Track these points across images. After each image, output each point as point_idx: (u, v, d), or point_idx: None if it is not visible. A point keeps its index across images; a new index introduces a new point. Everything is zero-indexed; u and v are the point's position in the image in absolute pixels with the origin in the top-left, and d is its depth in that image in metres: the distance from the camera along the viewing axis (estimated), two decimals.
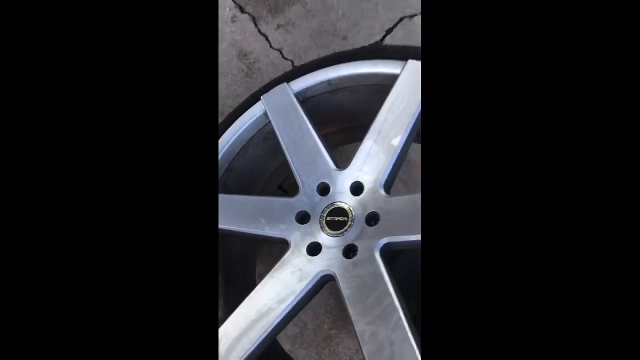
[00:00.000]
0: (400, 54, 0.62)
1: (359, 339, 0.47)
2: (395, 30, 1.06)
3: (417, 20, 1.06)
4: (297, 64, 1.04)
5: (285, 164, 0.77)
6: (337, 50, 1.05)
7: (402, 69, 0.61)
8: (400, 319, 0.46)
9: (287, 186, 0.92)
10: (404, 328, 0.45)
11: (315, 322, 0.91)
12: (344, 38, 1.05)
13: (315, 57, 1.04)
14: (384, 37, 1.05)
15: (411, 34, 1.05)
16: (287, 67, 1.04)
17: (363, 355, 0.46)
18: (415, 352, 0.43)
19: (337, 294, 0.91)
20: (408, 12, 1.06)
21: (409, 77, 0.60)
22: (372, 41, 1.05)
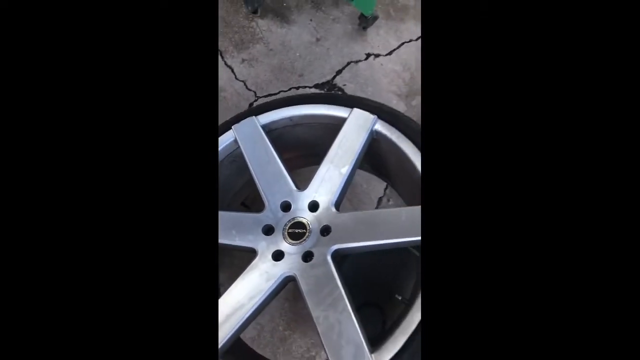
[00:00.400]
0: (348, 102, 0.80)
1: (315, 321, 0.60)
2: (343, 72, 1.25)
3: (362, 65, 1.27)
4: (259, 94, 1.17)
5: (248, 183, 0.90)
6: (294, 86, 1.21)
7: (349, 114, 0.78)
8: (346, 305, 0.60)
9: (249, 203, 1.03)
10: (349, 312, 0.60)
11: (271, 325, 1.02)
12: (301, 75, 1.22)
13: (275, 90, 1.19)
14: (334, 77, 1.24)
15: (357, 76, 1.25)
16: (250, 97, 1.17)
17: (318, 334, 0.60)
18: (356, 328, 0.58)
19: (291, 299, 1.03)
20: (355, 57, 1.27)
21: (354, 121, 0.77)
22: (324, 80, 1.23)
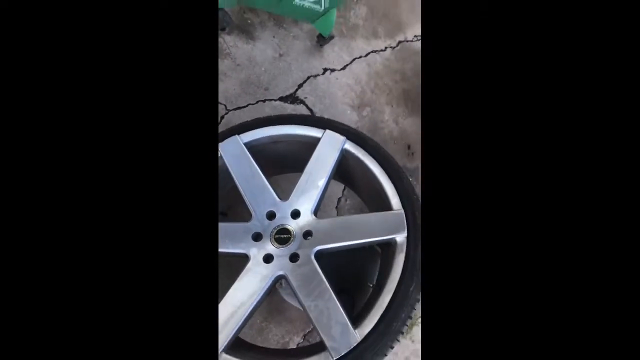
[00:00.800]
0: (321, 123, 0.94)
1: (307, 310, 0.74)
2: (304, 85, 1.38)
3: (320, 79, 1.41)
4: (229, 108, 1.25)
5: (227, 194, 0.99)
6: (261, 99, 1.30)
7: (322, 134, 0.92)
8: (331, 294, 0.75)
9: (226, 210, 1.12)
10: (334, 300, 0.75)
11: (250, 319, 1.13)
12: (266, 89, 1.31)
13: (244, 103, 1.27)
14: (296, 90, 1.36)
15: (316, 89, 1.39)
16: (221, 110, 1.24)
17: (311, 320, 0.74)
18: (341, 311, 0.73)
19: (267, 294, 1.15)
20: (314, 72, 1.40)
21: (327, 140, 0.91)
22: (287, 93, 1.34)
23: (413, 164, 1.46)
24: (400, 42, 1.56)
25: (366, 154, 0.89)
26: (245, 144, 0.92)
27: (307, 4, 1.12)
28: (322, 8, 1.15)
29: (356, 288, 0.94)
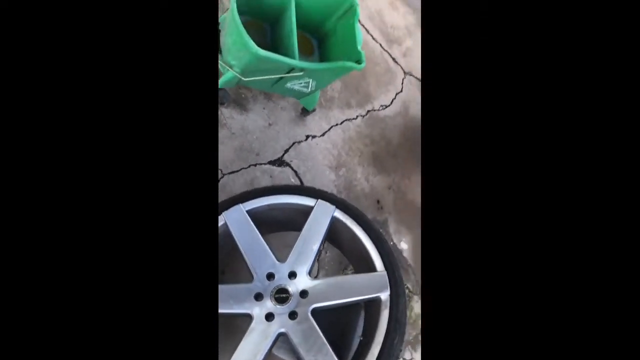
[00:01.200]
0: (313, 193, 1.09)
1: None
2: (290, 150, 1.55)
3: (303, 144, 1.59)
4: (224, 172, 1.37)
5: (226, 255, 1.09)
6: (252, 163, 1.45)
7: (315, 203, 1.07)
8: (328, 349, 0.86)
9: (225, 269, 1.20)
10: (331, 354, 0.86)
11: None
12: (257, 154, 1.46)
13: (237, 167, 1.40)
14: (283, 155, 1.53)
15: (300, 153, 1.57)
16: (217, 175, 1.36)
17: None
18: None
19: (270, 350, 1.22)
20: (298, 138, 1.59)
21: (319, 209, 1.07)
22: (276, 157, 1.50)
23: (382, 217, 1.66)
24: (368, 111, 1.82)
25: (353, 221, 1.06)
26: (247, 212, 1.05)
27: (296, 87, 1.32)
28: (309, 90, 1.36)
29: (342, 341, 1.06)
